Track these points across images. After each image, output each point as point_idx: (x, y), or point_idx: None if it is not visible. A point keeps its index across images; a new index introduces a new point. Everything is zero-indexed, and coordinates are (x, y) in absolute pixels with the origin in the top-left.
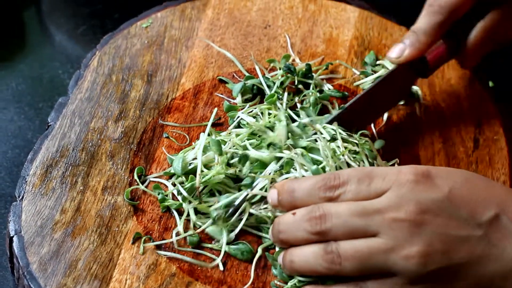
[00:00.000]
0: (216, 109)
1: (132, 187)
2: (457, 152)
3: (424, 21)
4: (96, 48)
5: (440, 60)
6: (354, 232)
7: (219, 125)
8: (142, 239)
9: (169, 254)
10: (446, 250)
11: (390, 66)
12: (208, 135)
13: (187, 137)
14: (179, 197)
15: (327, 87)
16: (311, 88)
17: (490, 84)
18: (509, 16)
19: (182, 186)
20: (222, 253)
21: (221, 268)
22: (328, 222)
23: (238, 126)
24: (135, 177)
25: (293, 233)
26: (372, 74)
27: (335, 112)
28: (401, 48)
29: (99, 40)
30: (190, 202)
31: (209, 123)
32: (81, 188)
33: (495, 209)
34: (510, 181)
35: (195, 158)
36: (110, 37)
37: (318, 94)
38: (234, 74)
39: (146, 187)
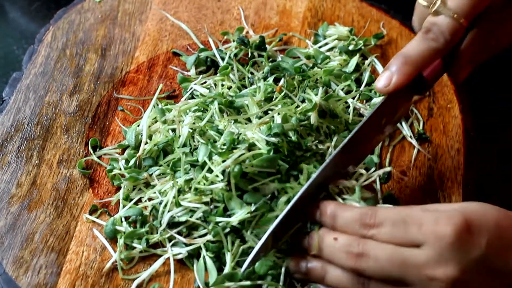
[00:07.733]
0: (161, 84)
1: (85, 158)
2: (412, 121)
3: (419, 47)
4: (50, 23)
5: (436, 76)
6: (388, 278)
7: (174, 97)
8: (99, 212)
9: (103, 241)
10: None
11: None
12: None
13: (142, 109)
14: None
15: (281, 58)
16: (264, 58)
17: None
18: (496, 26)
19: (128, 160)
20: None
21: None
22: (364, 263)
23: (192, 97)
24: (90, 148)
25: (332, 256)
26: (325, 45)
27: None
28: (387, 76)
29: (53, 15)
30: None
31: (156, 95)
32: (36, 161)
33: None
34: (463, 149)
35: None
36: (64, 12)
37: (270, 64)
38: (188, 47)
39: (101, 160)
